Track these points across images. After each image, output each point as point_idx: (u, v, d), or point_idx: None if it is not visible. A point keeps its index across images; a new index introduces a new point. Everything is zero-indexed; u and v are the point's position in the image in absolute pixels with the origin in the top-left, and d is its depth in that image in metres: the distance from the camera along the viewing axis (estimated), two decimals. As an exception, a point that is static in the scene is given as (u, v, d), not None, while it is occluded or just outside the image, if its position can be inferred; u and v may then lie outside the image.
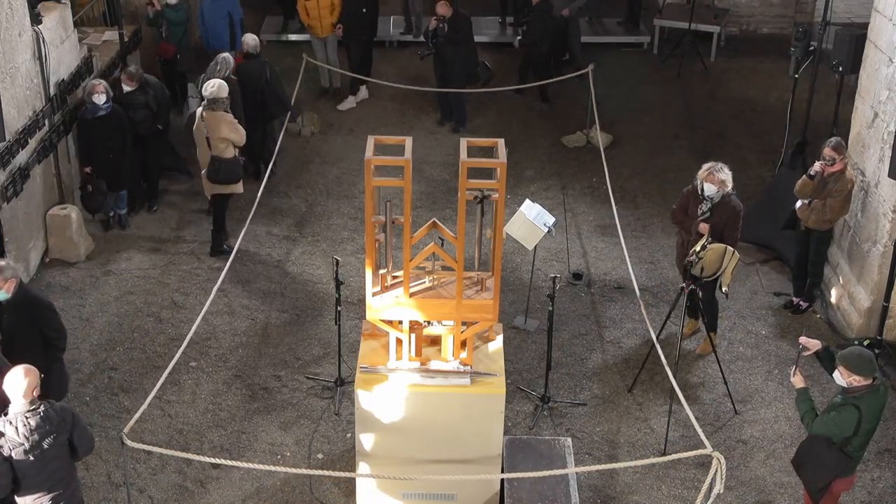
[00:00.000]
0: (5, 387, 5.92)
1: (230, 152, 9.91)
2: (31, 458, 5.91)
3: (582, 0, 14.40)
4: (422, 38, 13.82)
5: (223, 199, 10.23)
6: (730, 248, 8.20)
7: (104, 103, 10.17)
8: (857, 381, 6.31)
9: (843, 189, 8.86)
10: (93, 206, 10.64)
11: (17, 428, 5.85)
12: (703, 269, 8.14)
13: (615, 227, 10.15)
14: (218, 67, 10.86)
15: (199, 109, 10.01)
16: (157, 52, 12.95)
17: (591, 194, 11.72)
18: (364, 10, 13.39)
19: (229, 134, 9.85)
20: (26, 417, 5.87)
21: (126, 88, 10.56)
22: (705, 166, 8.36)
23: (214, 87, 9.82)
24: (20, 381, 5.86)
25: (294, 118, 12.66)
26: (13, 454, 5.87)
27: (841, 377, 6.38)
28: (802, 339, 6.79)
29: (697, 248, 8.21)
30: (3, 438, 5.86)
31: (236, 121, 10.01)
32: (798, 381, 6.64)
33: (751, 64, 15.44)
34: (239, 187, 10.16)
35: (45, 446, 5.93)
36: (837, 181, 8.84)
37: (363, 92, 13.93)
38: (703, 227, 8.33)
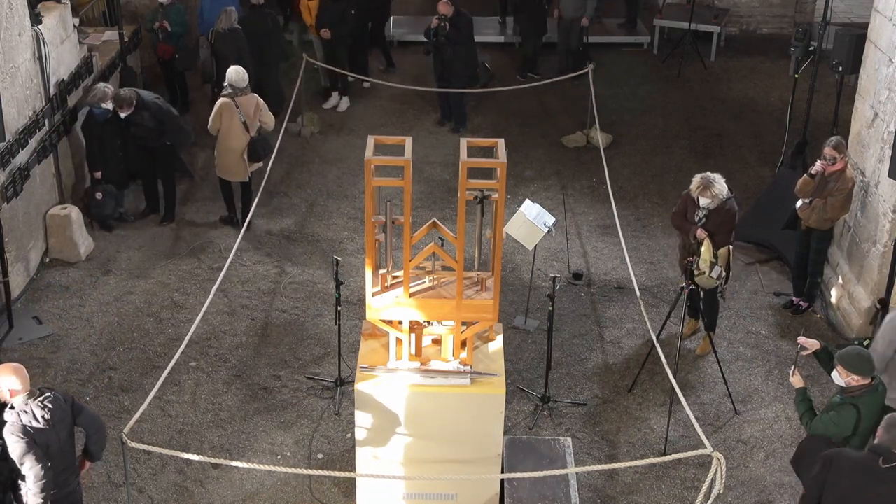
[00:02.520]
0: (10, 382, 5.90)
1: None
2: (53, 442, 5.94)
3: (592, 6, 14.38)
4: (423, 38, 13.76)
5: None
6: (728, 247, 8.25)
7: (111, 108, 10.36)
8: (855, 380, 6.32)
9: (844, 188, 8.87)
10: (104, 213, 10.61)
11: (33, 415, 5.87)
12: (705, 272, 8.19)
13: (615, 227, 10.15)
14: (224, 18, 11.97)
15: (227, 100, 10.16)
16: (156, 52, 12.94)
17: (591, 194, 11.72)
18: (353, 12, 13.25)
19: (265, 112, 10.54)
20: (41, 402, 5.91)
21: (121, 114, 10.34)
22: (697, 181, 8.28)
23: (240, 73, 10.25)
24: (12, 376, 5.89)
25: (294, 118, 12.68)
26: (37, 439, 5.87)
27: (839, 377, 6.38)
28: (801, 339, 6.80)
29: (707, 256, 8.18)
30: (27, 429, 5.85)
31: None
32: (797, 380, 6.65)
33: (751, 64, 15.45)
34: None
35: (60, 430, 5.98)
36: (838, 180, 8.85)
37: (344, 102, 13.85)
38: (701, 233, 8.35)
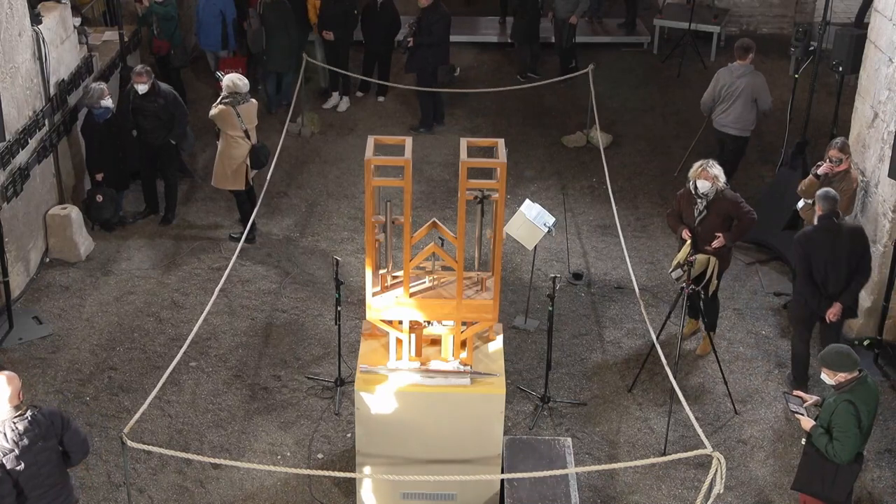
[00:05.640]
0: None
1: None
2: (23, 464, 5.80)
3: (584, 5, 14.38)
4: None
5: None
6: (710, 257, 8.30)
7: (111, 105, 10.36)
8: (843, 377, 6.39)
9: (848, 189, 8.87)
10: (103, 216, 10.61)
11: (5, 434, 5.75)
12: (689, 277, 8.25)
13: (615, 227, 10.15)
14: None
15: (227, 108, 9.95)
16: (151, 49, 12.95)
17: (591, 194, 11.72)
18: (355, 12, 13.31)
19: (256, 118, 10.34)
20: (14, 423, 5.76)
21: (139, 88, 10.33)
22: (696, 164, 8.41)
23: (242, 79, 10.09)
24: (3, 388, 5.75)
25: (294, 118, 12.68)
26: (5, 461, 5.77)
27: (827, 378, 6.46)
28: (797, 393, 6.83)
29: (681, 257, 8.32)
30: None
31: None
32: (807, 423, 6.60)
33: (751, 64, 15.43)
34: None
35: (36, 452, 5.82)
36: (842, 181, 8.84)
37: (344, 102, 13.85)
38: (686, 234, 8.42)
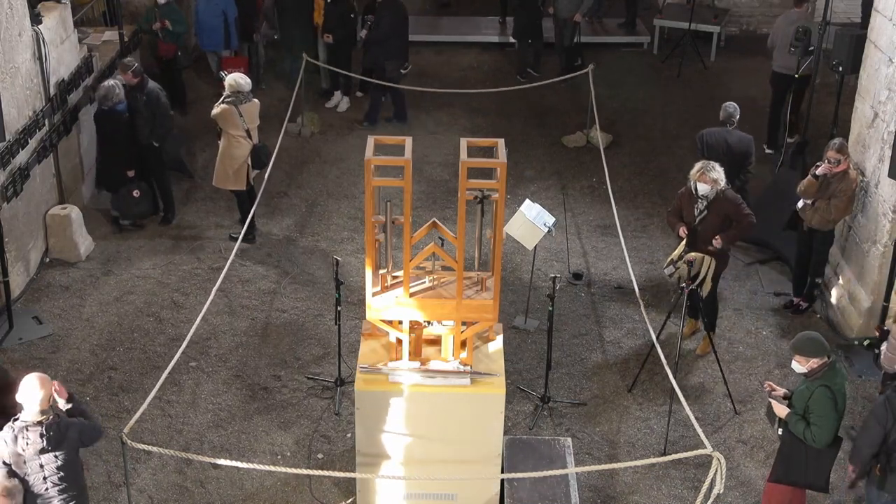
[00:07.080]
0: (19, 394, 5.82)
1: None
2: (28, 470, 5.82)
3: (588, 3, 14.39)
4: None
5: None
6: (707, 257, 8.33)
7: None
8: (815, 363, 6.45)
9: (848, 189, 8.88)
10: (142, 210, 10.65)
11: (16, 437, 5.78)
12: (681, 277, 8.25)
13: (615, 227, 10.15)
14: None
15: (229, 108, 9.92)
16: (157, 52, 12.93)
17: (591, 194, 11.72)
18: (352, 15, 13.33)
19: (258, 117, 10.32)
20: (26, 429, 5.78)
21: (121, 80, 10.31)
22: (697, 166, 8.41)
23: (242, 80, 10.06)
24: (34, 390, 5.77)
25: (294, 118, 12.67)
26: (12, 464, 5.80)
27: (800, 366, 6.50)
28: (769, 383, 6.87)
29: (675, 255, 8.35)
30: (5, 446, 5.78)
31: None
32: (781, 409, 6.64)
33: (751, 64, 15.43)
34: None
35: (42, 462, 5.83)
36: (842, 181, 8.85)
37: (345, 102, 13.85)
38: (682, 231, 8.45)
